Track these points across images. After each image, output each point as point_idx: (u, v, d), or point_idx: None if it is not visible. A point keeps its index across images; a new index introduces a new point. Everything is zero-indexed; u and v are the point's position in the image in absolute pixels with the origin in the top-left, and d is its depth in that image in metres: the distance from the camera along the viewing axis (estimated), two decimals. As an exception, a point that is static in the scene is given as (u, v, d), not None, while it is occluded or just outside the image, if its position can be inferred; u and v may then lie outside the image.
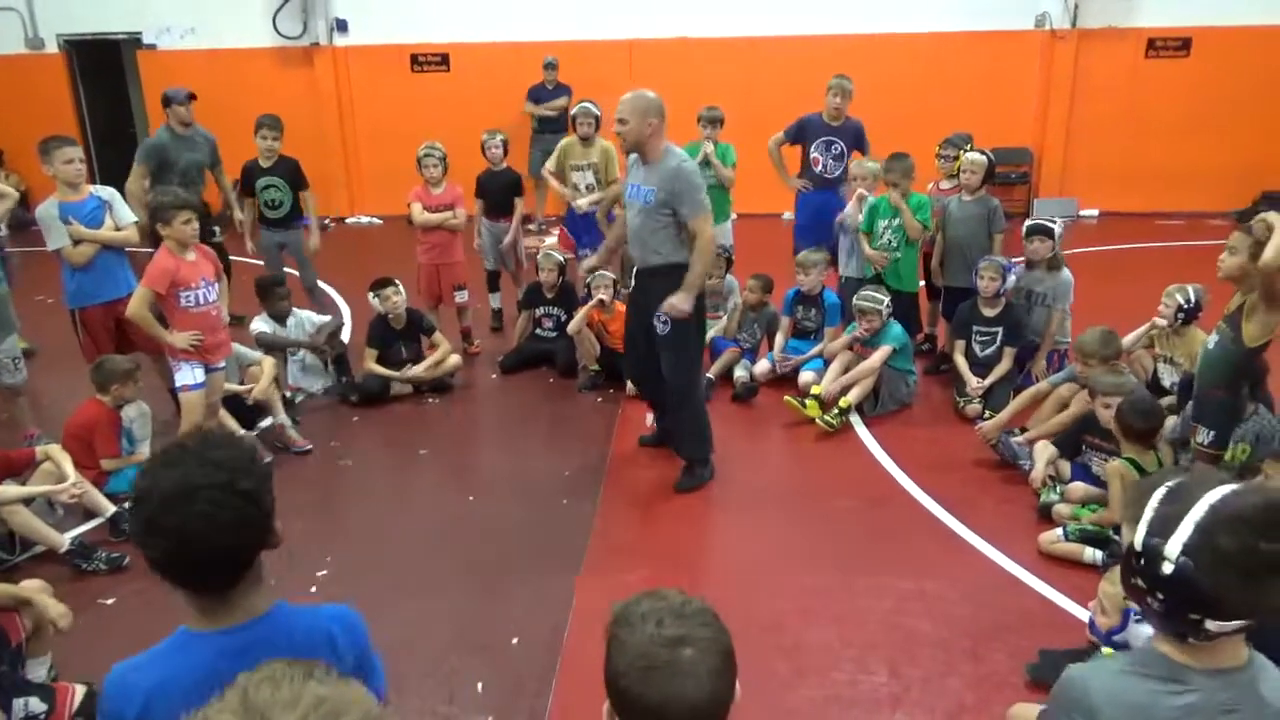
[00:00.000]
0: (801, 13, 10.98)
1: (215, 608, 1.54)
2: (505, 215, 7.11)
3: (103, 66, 12.46)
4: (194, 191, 6.31)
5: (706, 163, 6.89)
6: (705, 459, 4.93)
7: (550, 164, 7.12)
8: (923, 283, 6.44)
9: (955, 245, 6.11)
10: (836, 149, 6.81)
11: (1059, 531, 4.15)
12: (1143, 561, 1.49)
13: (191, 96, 6.79)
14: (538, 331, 6.78)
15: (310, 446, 5.42)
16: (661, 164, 4.41)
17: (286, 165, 6.70)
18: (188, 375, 4.69)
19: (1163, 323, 4.97)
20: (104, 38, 12.04)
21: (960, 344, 5.84)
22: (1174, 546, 1.45)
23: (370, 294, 6.15)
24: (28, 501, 4.14)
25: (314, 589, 4.05)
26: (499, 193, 7.07)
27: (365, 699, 1.04)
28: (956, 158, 6.37)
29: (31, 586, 3.35)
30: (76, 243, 5.17)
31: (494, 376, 6.54)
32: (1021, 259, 5.95)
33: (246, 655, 1.40)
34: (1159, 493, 1.51)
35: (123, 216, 5.36)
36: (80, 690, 3.04)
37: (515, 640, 3.67)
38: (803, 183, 6.95)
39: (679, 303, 4.43)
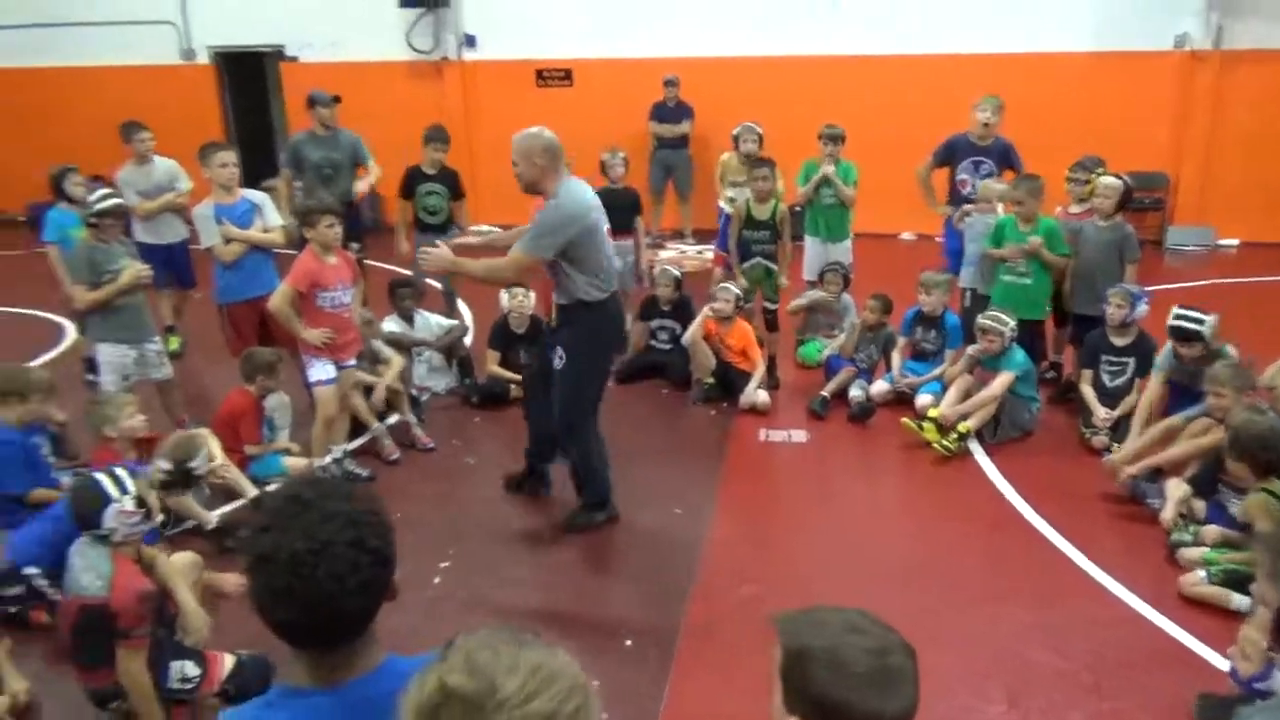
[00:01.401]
0: (930, 32, 10.82)
1: (328, 664, 1.46)
2: (622, 233, 7.18)
3: (247, 77, 13.18)
4: (331, 189, 6.56)
5: (827, 181, 6.89)
6: (600, 502, 4.66)
7: (716, 171, 7.56)
8: (1049, 308, 6.27)
9: (1085, 271, 5.92)
10: (985, 169, 6.68)
11: (1201, 574, 3.97)
12: None
13: (335, 99, 7.02)
14: (653, 343, 6.87)
15: (434, 445, 5.63)
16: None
17: (449, 175, 6.98)
18: (320, 371, 4.96)
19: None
20: (250, 50, 12.76)
21: (1088, 373, 5.67)
22: None
23: (504, 290, 6.35)
24: (181, 480, 4.44)
25: (437, 579, 4.22)
26: (619, 211, 7.17)
27: (573, 667, 1.08)
28: (1088, 182, 6.19)
29: (186, 560, 3.62)
30: (227, 242, 5.52)
31: (609, 386, 6.65)
32: (1151, 290, 5.72)
33: (357, 715, 1.43)
34: None
35: (271, 219, 5.70)
36: (229, 660, 3.24)
37: (629, 643, 3.75)
38: (948, 209, 6.84)
39: (433, 254, 4.24)
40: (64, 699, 3.45)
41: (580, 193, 4.25)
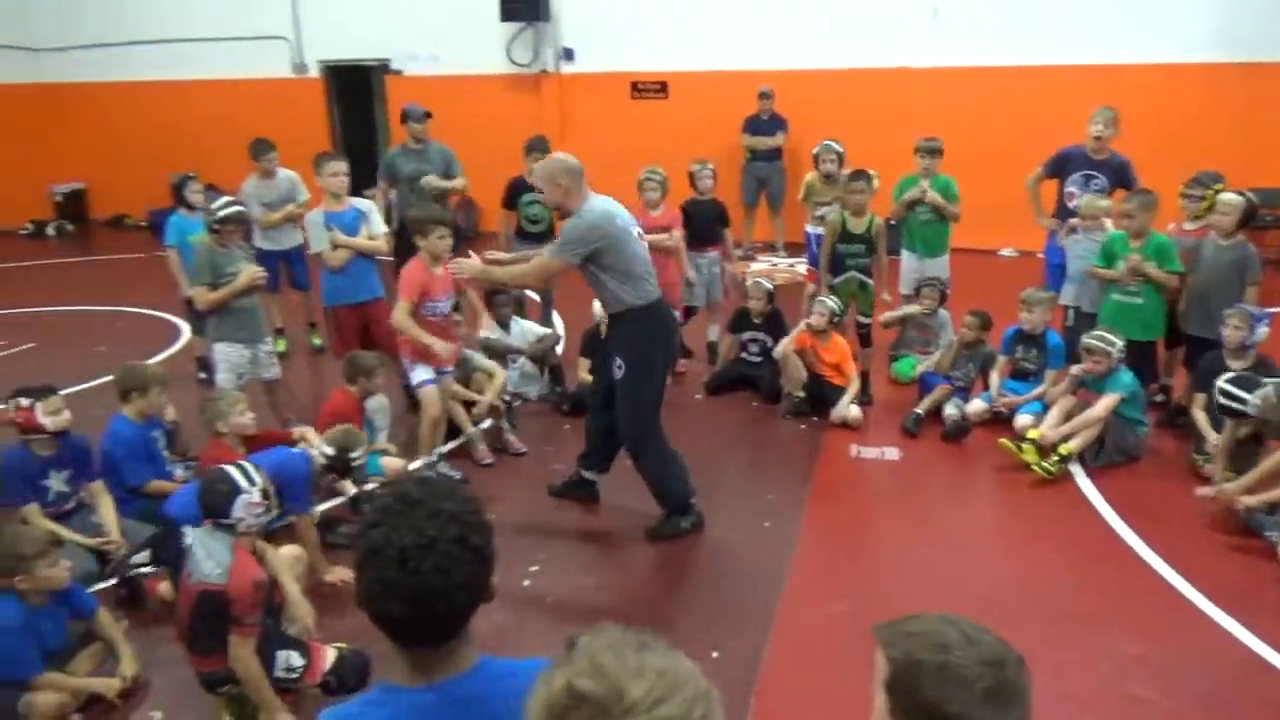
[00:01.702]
0: (1035, 41, 10.52)
1: (428, 662, 1.51)
2: (708, 244, 7.17)
3: (354, 90, 13.66)
4: (423, 200, 6.73)
5: (914, 206, 6.78)
6: (682, 508, 4.68)
7: (801, 193, 7.47)
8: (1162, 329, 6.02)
9: (1201, 292, 5.66)
10: (1097, 184, 6.48)
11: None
12: None
13: (427, 114, 7.14)
14: (743, 355, 6.84)
15: (525, 450, 5.72)
16: None
17: None
18: (423, 373, 5.09)
19: None
20: (358, 64, 13.22)
21: (1201, 398, 5.41)
22: None
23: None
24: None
25: (526, 582, 4.28)
26: (704, 222, 7.17)
27: (696, 672, 1.07)
28: (1204, 198, 5.93)
29: (291, 553, 3.76)
30: (335, 248, 5.72)
31: (698, 397, 6.65)
32: (1273, 311, 5.44)
33: (456, 713, 1.49)
34: None
35: (376, 227, 5.91)
36: (332, 653, 3.34)
37: (715, 654, 3.72)
38: (1053, 222, 6.66)
39: (464, 263, 4.58)
40: (174, 681, 3.61)
41: (602, 204, 4.42)
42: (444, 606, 1.45)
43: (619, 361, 4.51)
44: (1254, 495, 4.56)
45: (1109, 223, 6.12)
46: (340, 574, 4.09)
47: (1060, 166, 6.66)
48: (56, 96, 13.95)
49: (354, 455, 4.31)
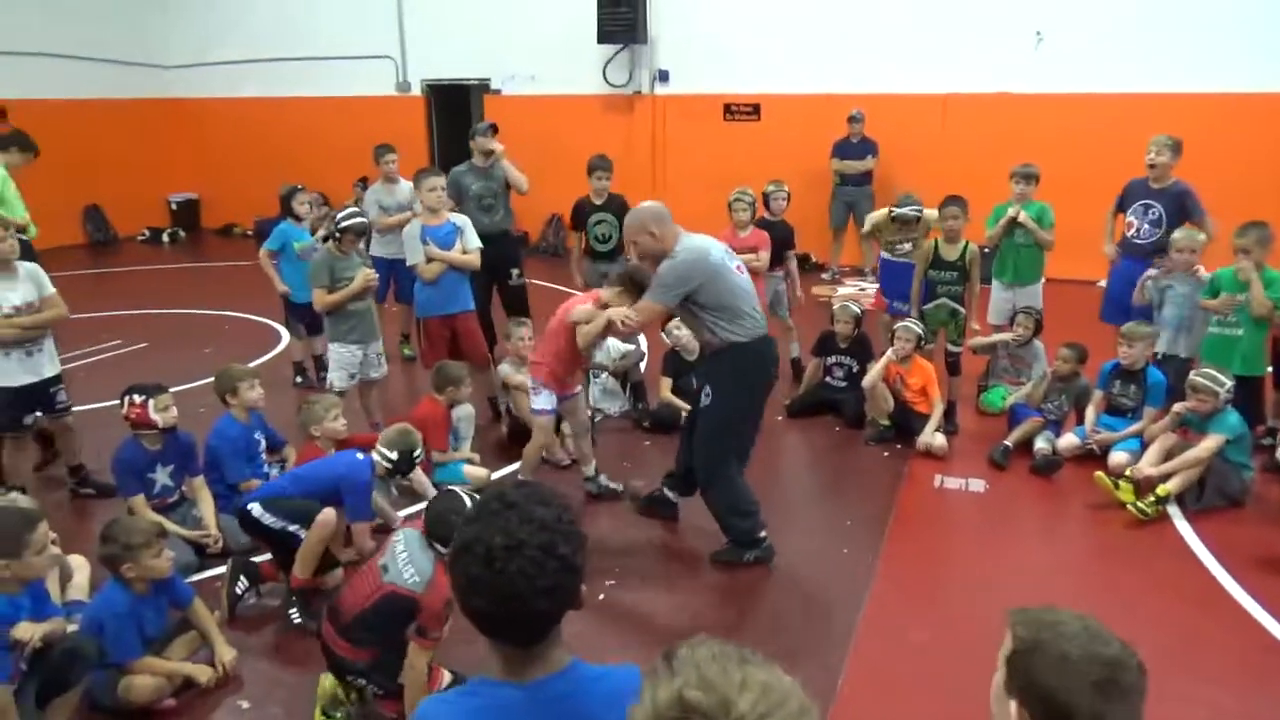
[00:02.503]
0: (1132, 69, 10.18)
1: (520, 660, 1.57)
2: (774, 266, 7.11)
3: (454, 108, 14.06)
4: (491, 217, 6.84)
5: (1018, 223, 6.61)
6: (749, 540, 4.54)
7: (865, 227, 7.28)
8: (1270, 368, 5.75)
9: (1313, 329, 5.42)
10: (1154, 214, 6.30)
11: None
12: None
13: (493, 128, 7.04)
14: (828, 379, 6.78)
15: (569, 461, 5.72)
16: None
17: (617, 202, 7.17)
18: (545, 401, 5.01)
19: None
20: (459, 83, 13.60)
21: (1312, 441, 5.16)
22: None
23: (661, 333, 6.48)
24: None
25: (601, 596, 4.31)
26: (774, 242, 7.13)
27: (797, 687, 1.09)
28: None
29: None
30: (429, 261, 5.89)
31: (779, 419, 6.62)
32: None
33: (546, 710, 1.55)
34: None
35: (471, 242, 6.05)
36: (447, 676, 3.39)
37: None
38: (1111, 250, 6.52)
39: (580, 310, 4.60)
40: (260, 673, 3.75)
41: (696, 242, 4.35)
42: (526, 609, 1.50)
43: (707, 389, 4.47)
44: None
45: (1201, 268, 5.86)
46: None
47: (1125, 198, 6.52)
48: (176, 111, 14.77)
49: (416, 454, 4.41)
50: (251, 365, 5.98)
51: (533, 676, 1.57)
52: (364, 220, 5.84)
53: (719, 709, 1.03)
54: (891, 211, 6.83)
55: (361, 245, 6.38)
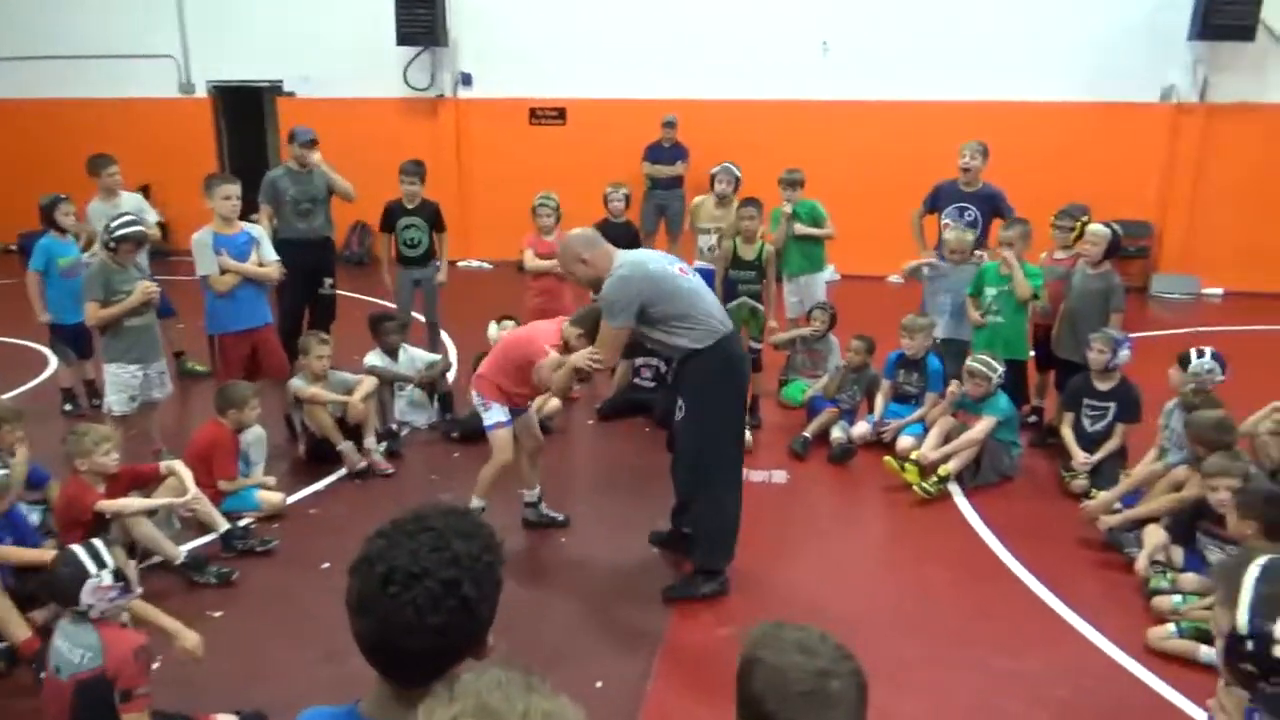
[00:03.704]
0: (921, 79, 10.96)
1: (397, 702, 1.42)
2: None
3: (244, 111, 13.31)
4: (310, 222, 6.59)
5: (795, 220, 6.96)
6: (714, 571, 4.33)
7: (688, 221, 7.38)
8: (1033, 353, 6.28)
9: (1071, 318, 5.95)
10: (970, 216, 6.72)
11: (1171, 627, 3.92)
12: (1250, 644, 1.42)
13: (314, 141, 6.77)
14: (636, 380, 6.86)
15: (392, 470, 5.66)
16: None
17: (429, 208, 7.01)
18: (497, 414, 4.71)
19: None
20: (248, 85, 12.88)
21: (1069, 417, 5.66)
22: None
23: (494, 323, 6.36)
24: (151, 513, 4.40)
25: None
26: (616, 245, 7.17)
27: (580, 715, 1.06)
28: (1072, 228, 6.25)
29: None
30: (223, 273, 5.54)
31: (590, 422, 6.63)
32: (1135, 336, 5.75)
33: None
34: (1252, 572, 1.43)
35: (267, 254, 5.76)
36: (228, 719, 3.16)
37: (599, 684, 3.69)
38: (931, 255, 6.81)
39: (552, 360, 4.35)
40: None
41: (633, 255, 4.22)
42: (409, 643, 1.36)
43: (681, 403, 4.24)
44: (1116, 517, 4.77)
45: (987, 255, 6.37)
46: (194, 641, 3.48)
47: (935, 200, 6.93)
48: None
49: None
50: (9, 395, 5.43)
51: None
52: (141, 229, 5.40)
53: None
54: (714, 186, 7.14)
55: (142, 258, 5.95)
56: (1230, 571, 1.46)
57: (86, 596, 2.95)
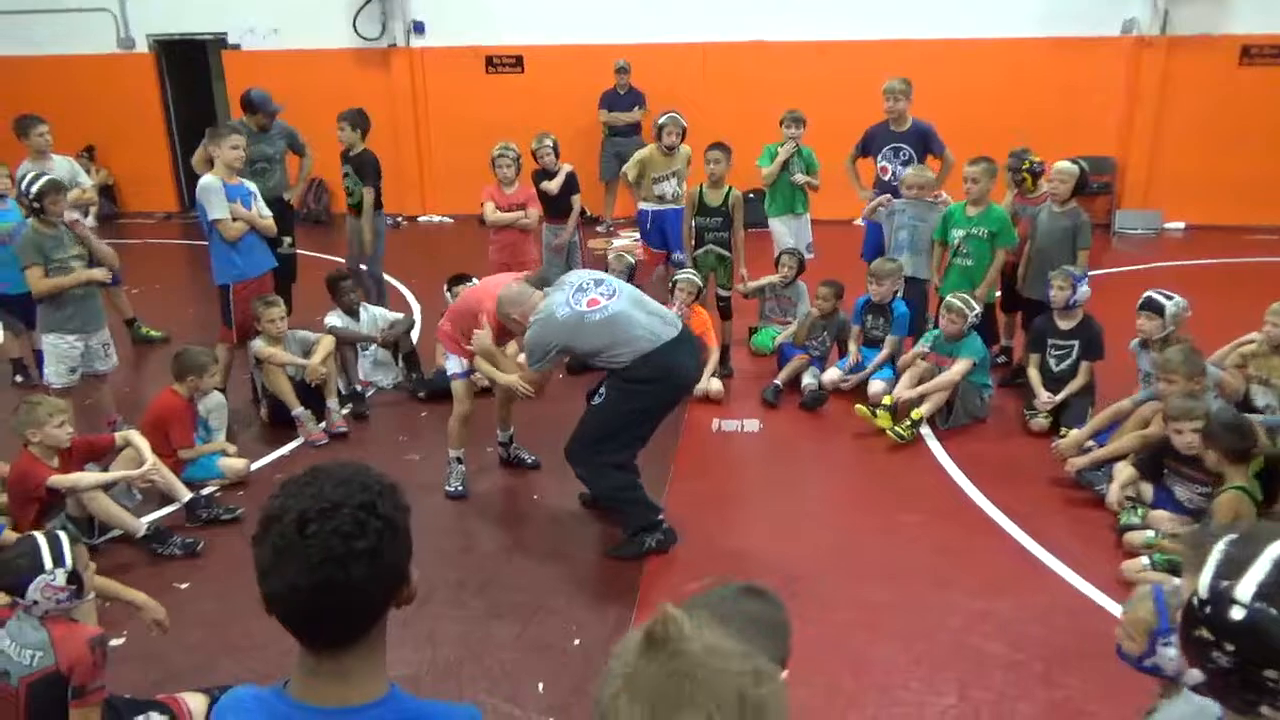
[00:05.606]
0: (880, 17, 10.79)
1: (327, 672, 1.32)
2: (562, 217, 7.10)
3: (189, 65, 12.84)
4: (266, 182, 6.45)
5: (786, 166, 6.84)
6: (647, 525, 4.28)
7: (630, 173, 7.10)
8: (999, 294, 6.26)
9: (1038, 257, 5.92)
10: (904, 155, 6.66)
11: (1145, 560, 3.96)
12: (1208, 608, 1.30)
13: (276, 111, 6.79)
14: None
15: (347, 429, 5.60)
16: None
17: (359, 157, 6.88)
18: (455, 365, 4.77)
19: (1259, 337, 4.76)
20: (191, 38, 12.42)
21: (1035, 357, 5.67)
22: (1246, 588, 1.27)
23: (446, 289, 6.24)
24: (108, 487, 4.25)
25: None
26: (555, 195, 7.06)
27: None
28: (1017, 169, 6.26)
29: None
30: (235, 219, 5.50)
31: (561, 376, 6.54)
32: (1099, 273, 5.75)
33: None
34: (1226, 538, 1.36)
35: (264, 209, 5.74)
36: (198, 700, 3.06)
37: (577, 641, 3.66)
38: (870, 194, 6.78)
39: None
40: None
41: (544, 309, 4.20)
42: (342, 577, 1.24)
43: (602, 390, 4.27)
44: (1084, 457, 4.79)
45: (945, 194, 6.31)
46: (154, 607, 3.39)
47: (868, 143, 6.83)
48: None
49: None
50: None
51: (337, 703, 1.31)
52: (54, 178, 5.15)
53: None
54: (660, 137, 6.94)
55: (83, 216, 5.73)
56: (1204, 539, 1.38)
57: (33, 591, 2.76)
